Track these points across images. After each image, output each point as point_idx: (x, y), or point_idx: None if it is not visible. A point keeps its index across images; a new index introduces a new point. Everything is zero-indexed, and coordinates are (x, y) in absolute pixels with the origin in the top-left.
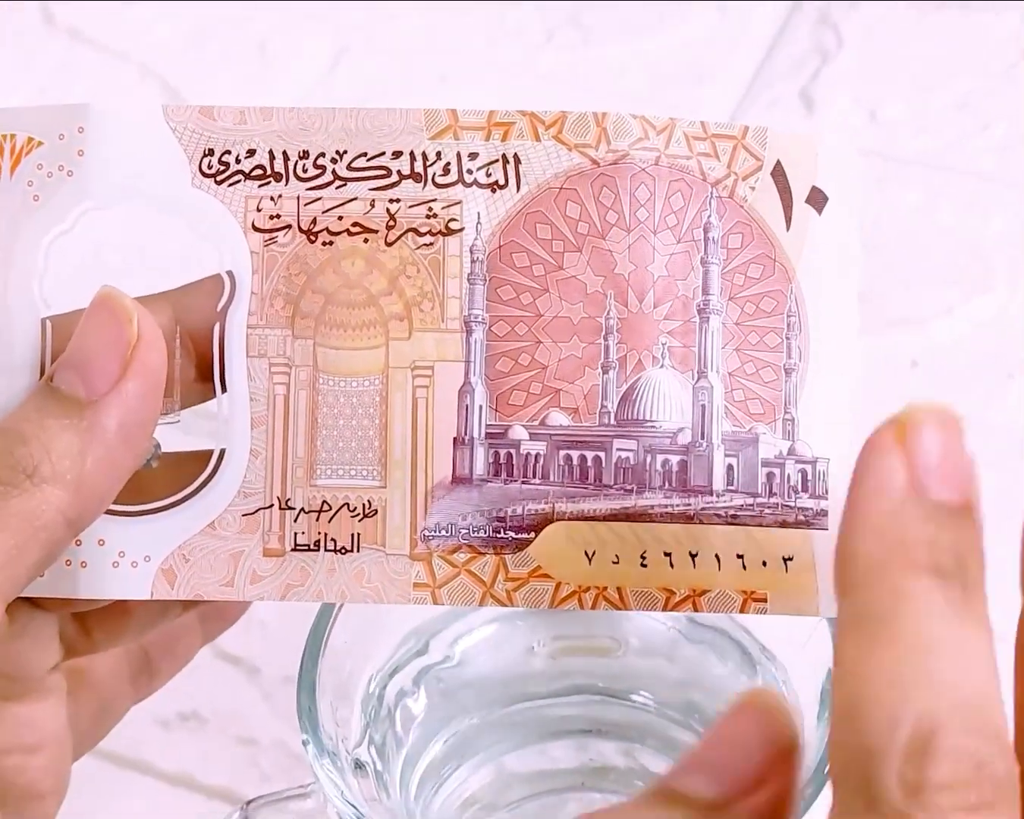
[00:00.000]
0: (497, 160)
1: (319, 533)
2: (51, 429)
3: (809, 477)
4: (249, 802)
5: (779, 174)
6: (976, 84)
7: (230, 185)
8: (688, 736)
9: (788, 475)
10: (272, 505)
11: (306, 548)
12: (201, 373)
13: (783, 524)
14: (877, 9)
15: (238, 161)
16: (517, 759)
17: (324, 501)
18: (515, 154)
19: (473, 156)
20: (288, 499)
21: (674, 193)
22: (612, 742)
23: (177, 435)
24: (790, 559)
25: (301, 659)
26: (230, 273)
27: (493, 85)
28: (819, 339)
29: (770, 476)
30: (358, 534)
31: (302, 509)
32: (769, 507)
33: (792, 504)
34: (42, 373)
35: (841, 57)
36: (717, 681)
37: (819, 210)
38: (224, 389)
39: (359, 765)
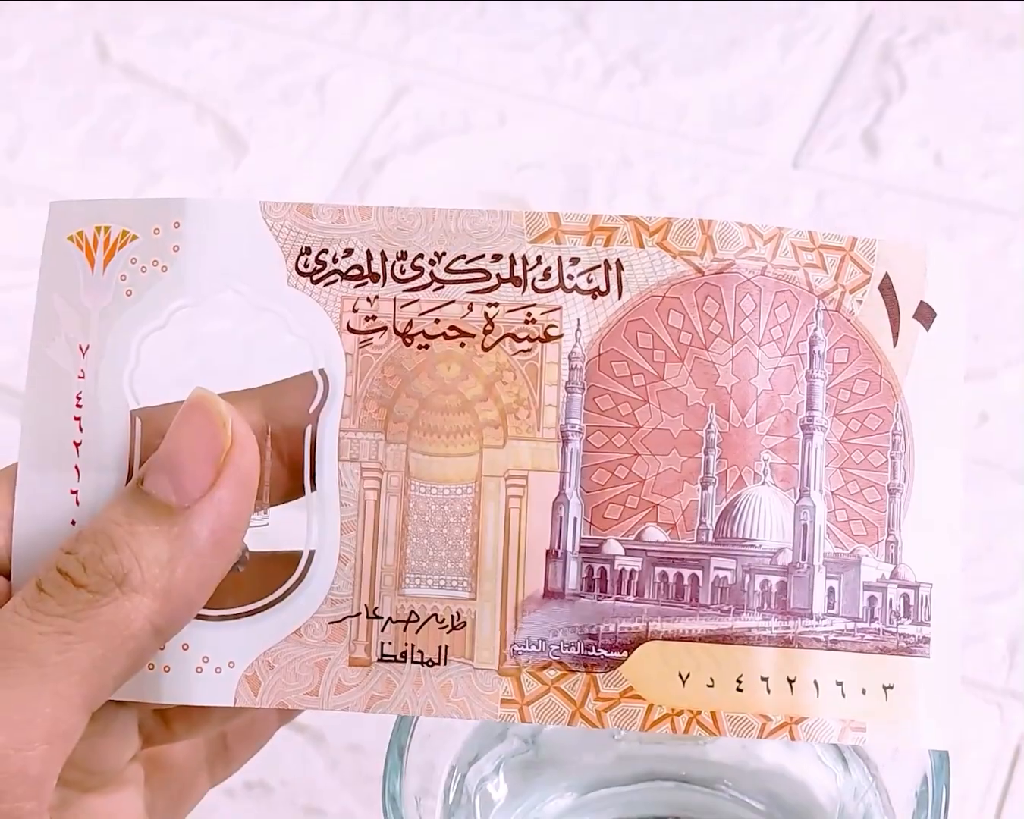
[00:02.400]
0: (599, 266)
1: (406, 644)
2: (141, 536)
3: (911, 602)
4: None
5: (887, 288)
6: None
7: (326, 285)
8: None
9: (890, 600)
10: (360, 614)
11: (392, 659)
12: (291, 474)
13: (884, 651)
14: (940, 48)
15: (335, 260)
16: None
17: (412, 611)
18: (618, 260)
19: (575, 261)
20: (376, 608)
21: (780, 304)
22: None
23: (265, 537)
24: (891, 687)
25: (388, 746)
26: (323, 372)
27: (552, 125)
28: (924, 459)
29: (872, 600)
30: (446, 647)
31: (390, 618)
32: (870, 632)
33: (894, 630)
34: (130, 468)
35: (905, 97)
36: (804, 774)
37: (927, 326)
38: (314, 491)
39: None
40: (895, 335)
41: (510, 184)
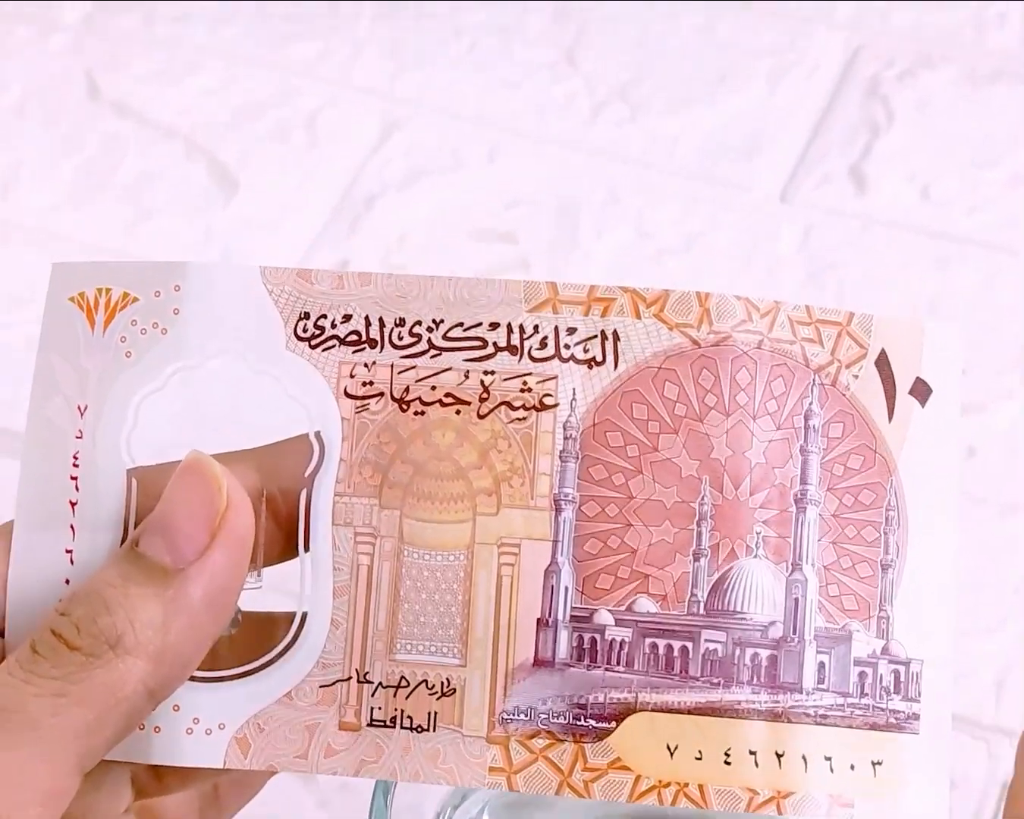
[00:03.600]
0: (596, 336)
1: (396, 709)
2: (135, 598)
3: (902, 678)
4: None
5: (883, 363)
6: None
7: (324, 350)
8: None
9: (881, 675)
10: (351, 678)
11: (382, 724)
12: (286, 536)
13: (873, 726)
14: (928, 83)
15: (334, 326)
16: None
17: (403, 676)
18: (614, 331)
19: (571, 331)
20: (367, 673)
21: (776, 378)
22: None
23: (258, 599)
24: (879, 763)
25: (373, 789)
26: (319, 436)
27: (542, 161)
28: (918, 535)
29: (862, 675)
30: (435, 713)
31: (380, 683)
32: (860, 708)
33: (884, 706)
34: (126, 528)
35: (892, 132)
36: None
37: (922, 402)
38: (308, 553)
39: None
40: (891, 410)
41: (499, 220)
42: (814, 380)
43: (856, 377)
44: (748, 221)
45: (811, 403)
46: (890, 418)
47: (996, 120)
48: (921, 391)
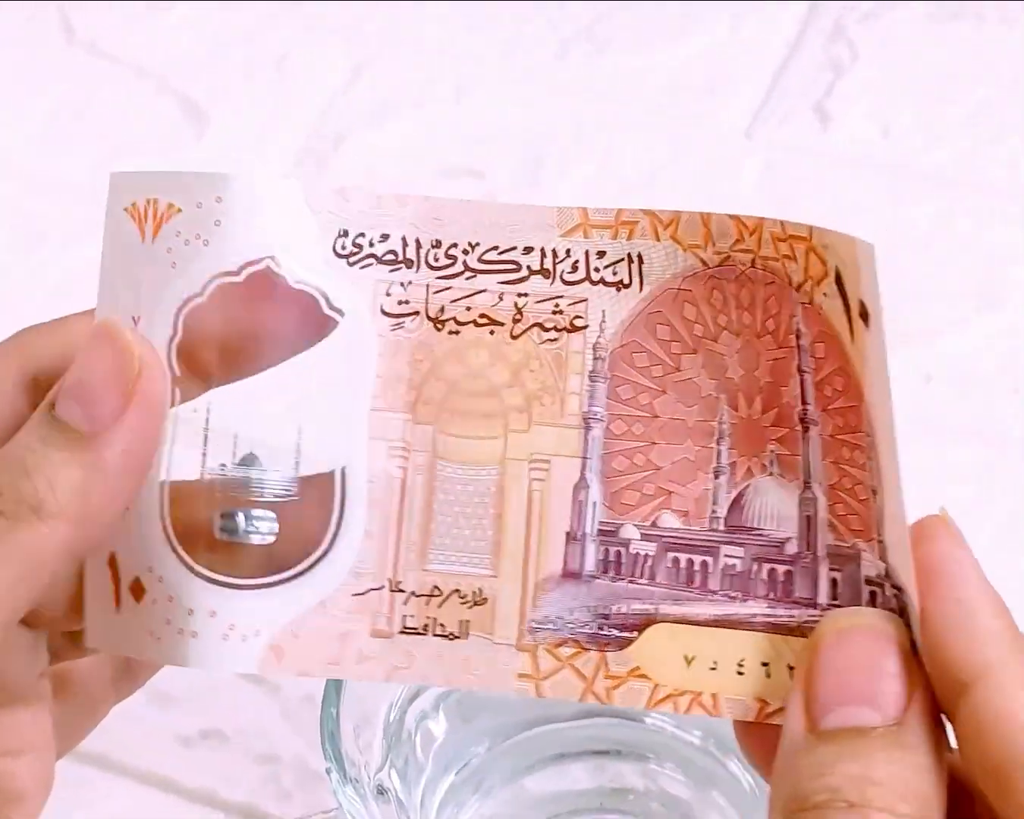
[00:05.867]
0: (623, 259)
1: (428, 617)
2: (55, 463)
3: (902, 603)
4: None
5: (840, 282)
6: (989, 97)
7: (362, 267)
8: (706, 759)
9: (888, 596)
10: (383, 587)
11: (414, 631)
12: None
13: None
14: (891, 23)
15: (371, 244)
16: (536, 781)
17: (435, 586)
18: (639, 253)
19: (601, 254)
20: (399, 582)
21: (769, 297)
22: (630, 763)
23: (293, 510)
24: None
25: (325, 685)
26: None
27: (508, 99)
28: (885, 465)
29: (873, 594)
30: (467, 621)
31: (412, 592)
32: None
33: None
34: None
35: (855, 71)
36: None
37: (867, 324)
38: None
39: (381, 791)
40: (851, 331)
41: (466, 157)
42: (796, 299)
43: (825, 295)
44: (712, 157)
45: (798, 322)
46: (852, 338)
47: (956, 59)
48: (864, 313)
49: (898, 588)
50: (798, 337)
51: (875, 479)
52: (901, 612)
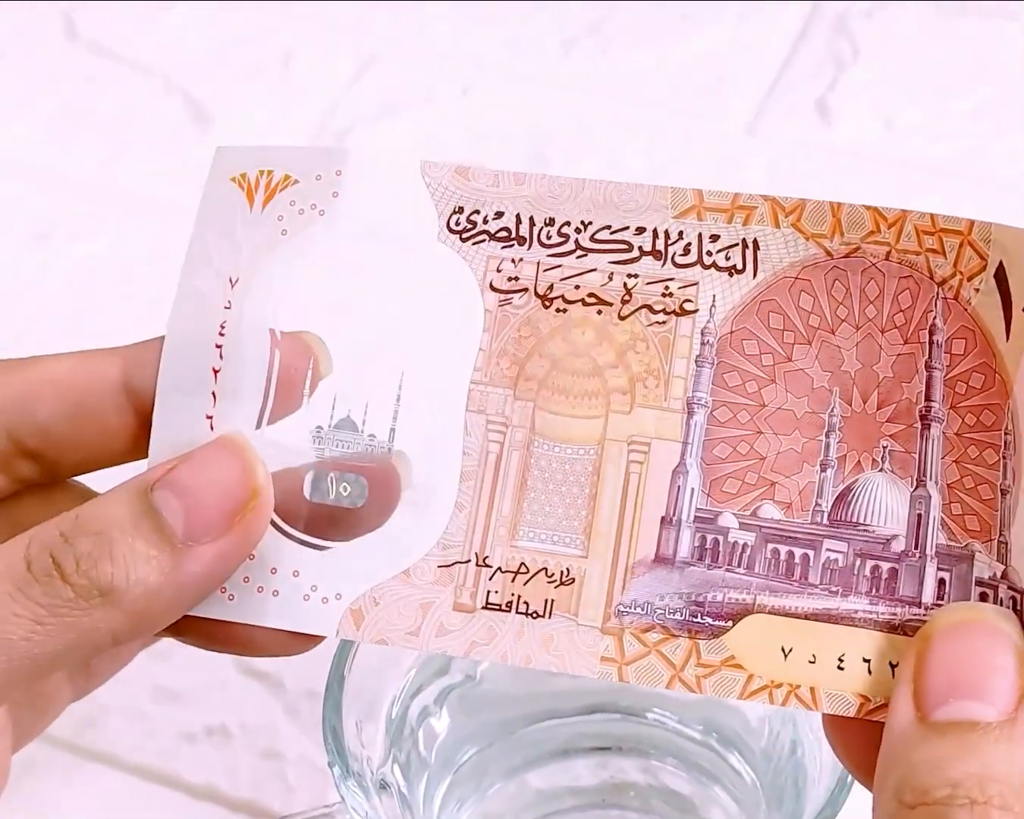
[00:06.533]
0: (737, 244)
1: (513, 594)
2: (139, 556)
3: (1019, 607)
4: None
5: (1001, 277)
6: (993, 91)
7: (475, 243)
8: (707, 754)
9: (1001, 600)
10: (470, 560)
11: (497, 607)
12: None
13: None
14: (892, 17)
15: (485, 221)
16: (539, 777)
17: (523, 563)
18: (755, 239)
19: (714, 238)
20: (486, 557)
21: (902, 291)
22: (632, 759)
23: (385, 477)
24: None
25: (327, 680)
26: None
27: (513, 95)
28: None
29: (983, 596)
30: (552, 600)
31: (499, 568)
32: None
33: None
34: (265, 399)
35: (857, 65)
36: (736, 699)
37: None
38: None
39: (384, 785)
40: (1008, 328)
41: (472, 153)
42: (938, 294)
43: (977, 290)
44: (715, 153)
45: (935, 317)
46: (1007, 336)
47: (959, 54)
48: None
49: (1018, 591)
50: (932, 332)
51: (1009, 479)
52: (1018, 615)
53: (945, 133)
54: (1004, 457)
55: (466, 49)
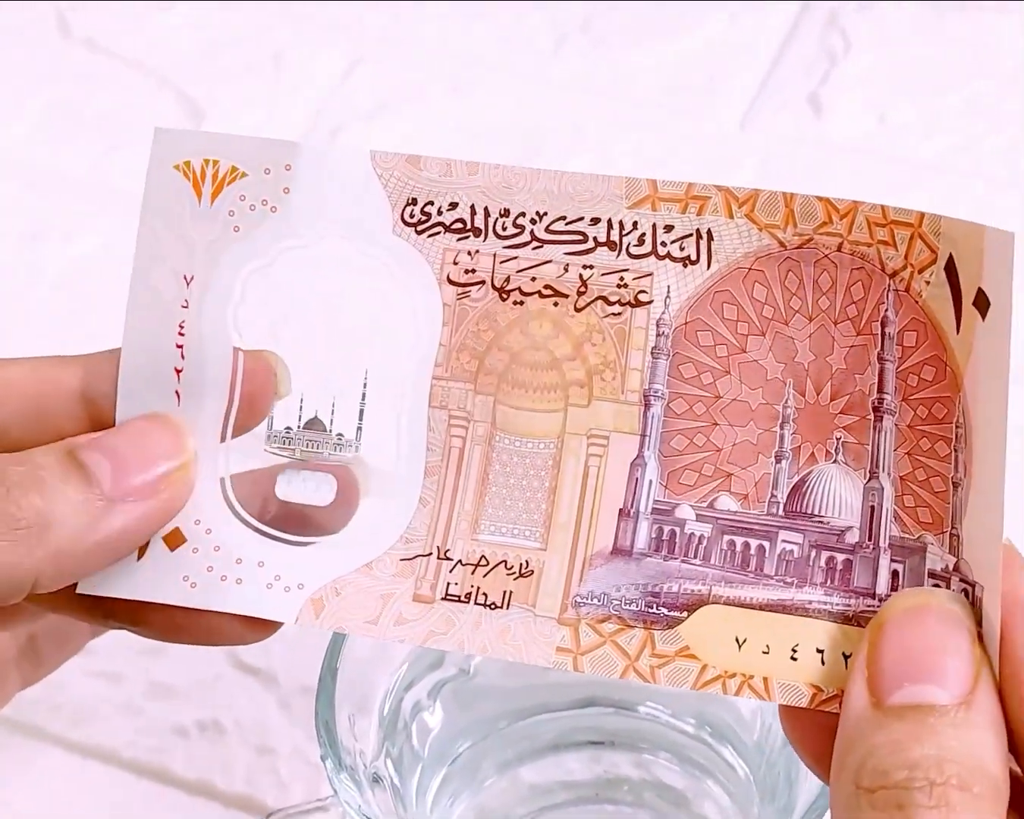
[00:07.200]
0: (691, 234)
1: (472, 586)
2: (69, 501)
3: (970, 599)
4: (269, 815)
5: (951, 270)
6: (985, 86)
7: (430, 236)
8: (700, 748)
9: (954, 592)
10: (431, 554)
11: (456, 599)
12: None
13: None
14: (884, 12)
15: (440, 213)
16: (532, 771)
17: (483, 556)
18: (708, 230)
19: (668, 228)
20: (448, 550)
21: (855, 283)
22: (625, 754)
23: (352, 474)
24: None
25: (320, 674)
26: (420, 321)
27: (505, 93)
28: (980, 458)
29: (936, 588)
30: (510, 592)
31: (459, 561)
32: None
33: None
34: (230, 400)
35: (849, 60)
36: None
37: (983, 315)
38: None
39: (377, 779)
40: (958, 321)
41: (463, 151)
42: (889, 286)
43: (928, 283)
44: (708, 149)
45: (887, 309)
46: (957, 329)
47: (952, 48)
48: (982, 302)
49: (969, 583)
50: (884, 324)
51: (961, 472)
52: (976, 610)
53: (938, 128)
54: (955, 450)
55: (458, 47)
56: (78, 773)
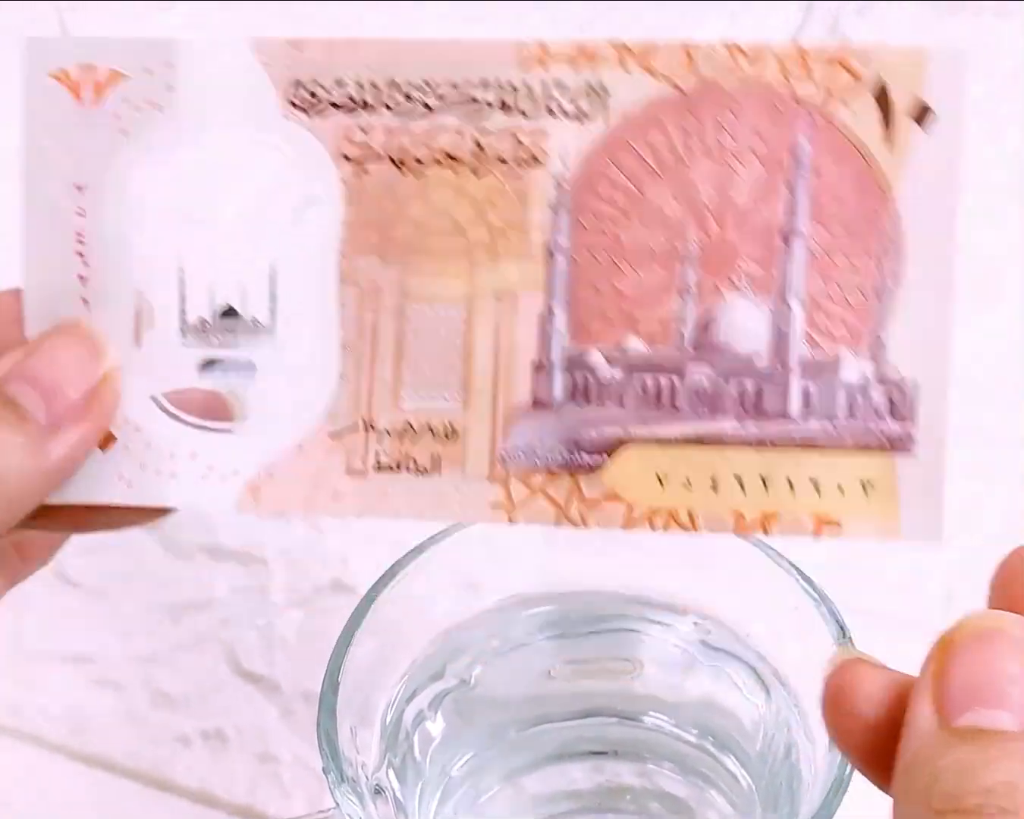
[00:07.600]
0: (583, 90)
1: (401, 454)
2: (5, 444)
3: (895, 399)
4: None
5: (882, 92)
6: (986, 92)
7: (320, 116)
8: (703, 758)
9: (872, 397)
10: (358, 427)
11: (388, 468)
12: None
13: (864, 448)
14: (885, 16)
15: (327, 92)
16: (534, 781)
17: (408, 423)
18: (601, 84)
19: (561, 86)
20: (373, 422)
21: (761, 117)
22: (628, 763)
23: (272, 359)
24: (870, 484)
25: (321, 685)
26: (321, 201)
27: None
28: (916, 262)
29: (852, 399)
30: (439, 456)
31: (386, 431)
32: (849, 431)
33: (875, 428)
34: (138, 306)
35: None
36: (730, 703)
37: (925, 128)
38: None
39: (378, 790)
40: (890, 138)
41: None
42: (802, 116)
43: (846, 105)
44: None
45: (798, 138)
46: (889, 147)
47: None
48: (923, 116)
49: (893, 383)
50: (794, 152)
51: (886, 280)
52: (892, 409)
53: None
54: (880, 259)
55: None
56: (80, 783)
